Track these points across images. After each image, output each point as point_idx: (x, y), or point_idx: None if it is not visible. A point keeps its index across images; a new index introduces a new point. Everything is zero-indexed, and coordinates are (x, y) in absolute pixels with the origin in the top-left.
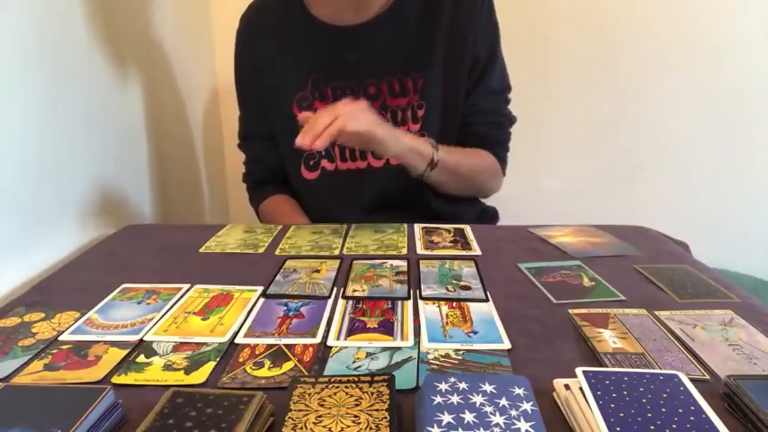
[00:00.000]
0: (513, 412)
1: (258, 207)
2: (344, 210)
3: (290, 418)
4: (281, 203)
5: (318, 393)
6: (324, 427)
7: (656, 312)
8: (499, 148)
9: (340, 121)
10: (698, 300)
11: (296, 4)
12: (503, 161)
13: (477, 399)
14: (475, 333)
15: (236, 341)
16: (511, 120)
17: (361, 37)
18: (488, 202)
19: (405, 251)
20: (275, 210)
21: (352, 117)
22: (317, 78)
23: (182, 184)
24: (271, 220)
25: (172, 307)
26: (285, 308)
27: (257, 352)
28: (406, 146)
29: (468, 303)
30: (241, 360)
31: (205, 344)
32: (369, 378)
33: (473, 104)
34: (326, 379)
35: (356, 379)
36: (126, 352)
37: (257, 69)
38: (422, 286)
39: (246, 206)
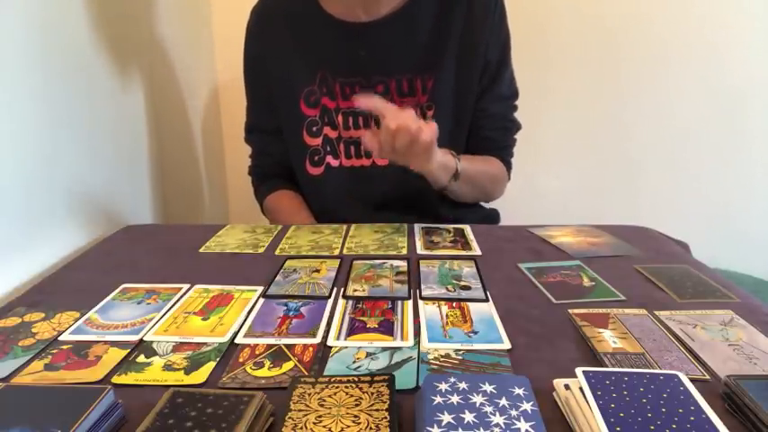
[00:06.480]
0: (513, 412)
1: (263, 201)
2: (347, 207)
3: (290, 418)
4: (285, 199)
5: (318, 393)
6: (324, 427)
7: (656, 312)
8: (505, 153)
9: (425, 129)
10: (698, 300)
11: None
12: (509, 166)
13: (477, 399)
14: (475, 333)
15: (236, 341)
16: (517, 126)
17: (372, 35)
18: (489, 203)
19: (405, 251)
20: (279, 205)
21: (429, 129)
22: (325, 73)
23: (182, 184)
24: (274, 214)
25: (172, 307)
26: (285, 308)
27: (257, 352)
28: (438, 161)
29: (468, 303)
30: (241, 360)
31: (205, 344)
32: (369, 378)
33: (483, 109)
34: (326, 379)
35: (356, 379)
36: (126, 352)
37: (266, 62)
38: (422, 286)
39: (246, 206)
